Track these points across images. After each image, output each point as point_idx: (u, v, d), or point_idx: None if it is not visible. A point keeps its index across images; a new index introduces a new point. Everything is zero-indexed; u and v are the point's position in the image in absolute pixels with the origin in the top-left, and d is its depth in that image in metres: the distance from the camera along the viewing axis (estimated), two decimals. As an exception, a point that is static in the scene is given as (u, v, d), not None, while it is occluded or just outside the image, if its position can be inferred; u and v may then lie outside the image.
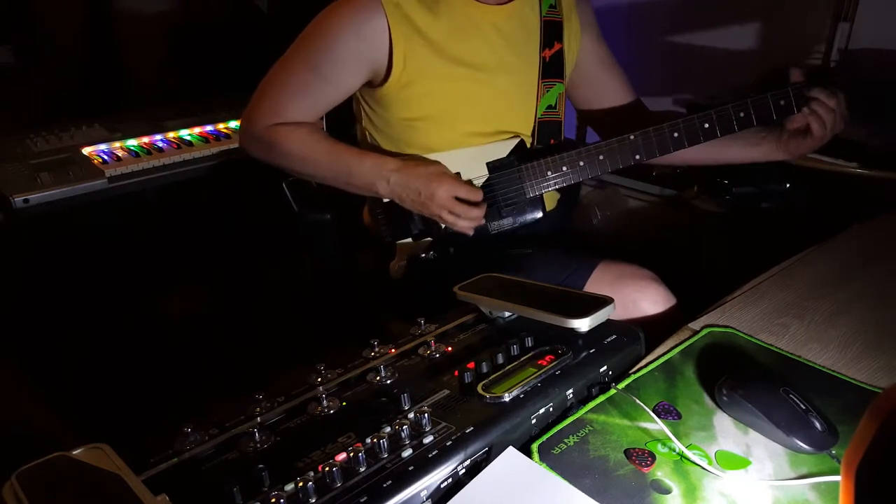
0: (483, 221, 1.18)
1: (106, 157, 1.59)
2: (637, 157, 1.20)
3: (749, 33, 1.99)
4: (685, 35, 2.17)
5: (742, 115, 1.18)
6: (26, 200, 1.41)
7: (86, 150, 1.60)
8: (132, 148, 1.64)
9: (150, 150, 1.64)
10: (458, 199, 1.13)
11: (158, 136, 1.70)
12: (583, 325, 0.82)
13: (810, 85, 1.17)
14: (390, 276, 1.29)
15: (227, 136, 1.75)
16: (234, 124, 1.81)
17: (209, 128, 1.77)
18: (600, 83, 1.38)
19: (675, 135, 1.19)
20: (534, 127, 1.27)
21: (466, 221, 1.15)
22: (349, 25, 1.14)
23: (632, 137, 1.19)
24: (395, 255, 1.28)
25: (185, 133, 1.73)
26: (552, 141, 1.29)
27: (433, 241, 1.24)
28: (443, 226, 1.21)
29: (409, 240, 1.24)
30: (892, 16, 1.77)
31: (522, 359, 0.80)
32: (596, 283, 1.12)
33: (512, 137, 1.23)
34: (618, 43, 2.22)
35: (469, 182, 1.19)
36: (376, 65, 1.17)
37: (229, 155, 1.70)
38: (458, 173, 1.20)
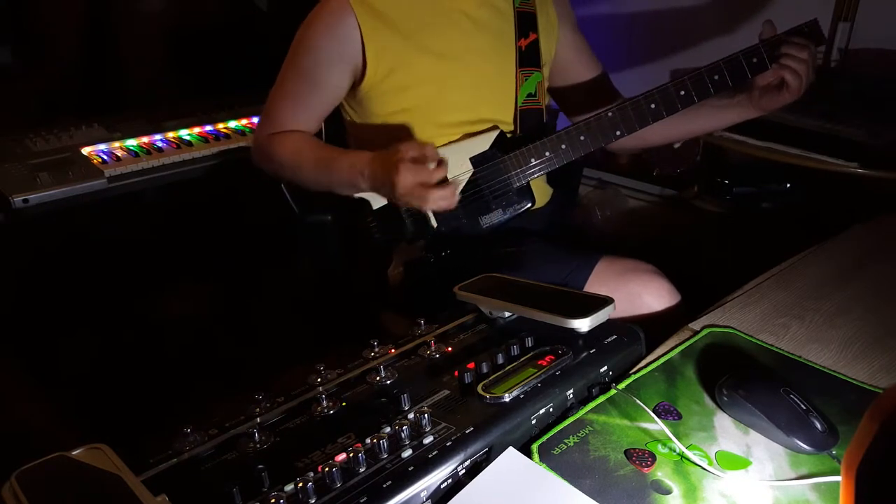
0: (457, 197, 1.10)
1: (105, 157, 1.59)
2: (618, 132, 1.20)
3: (749, 33, 1.99)
4: (684, 35, 2.17)
5: (716, 77, 1.18)
6: (26, 200, 1.40)
7: (85, 150, 1.60)
8: (132, 148, 1.64)
9: (150, 150, 1.64)
10: (418, 182, 1.06)
11: (158, 136, 1.70)
12: (583, 325, 0.82)
13: (781, 38, 1.18)
14: (389, 283, 1.29)
15: (226, 136, 1.75)
16: (233, 124, 1.80)
17: (209, 128, 1.77)
18: (577, 73, 1.40)
19: (653, 106, 1.19)
20: (515, 115, 1.28)
21: (435, 202, 1.06)
22: (324, 29, 1.19)
23: (609, 114, 1.19)
24: (391, 261, 1.28)
25: (184, 133, 1.72)
26: (534, 129, 1.29)
27: (427, 243, 1.24)
28: (434, 225, 1.21)
29: (403, 244, 1.24)
30: (892, 16, 1.77)
31: (522, 359, 0.80)
32: (599, 279, 1.11)
33: (491, 129, 1.23)
34: (618, 45, 2.22)
35: (434, 151, 1.10)
36: (355, 63, 1.20)
37: (229, 155, 1.70)
38: (439, 136, 1.19)
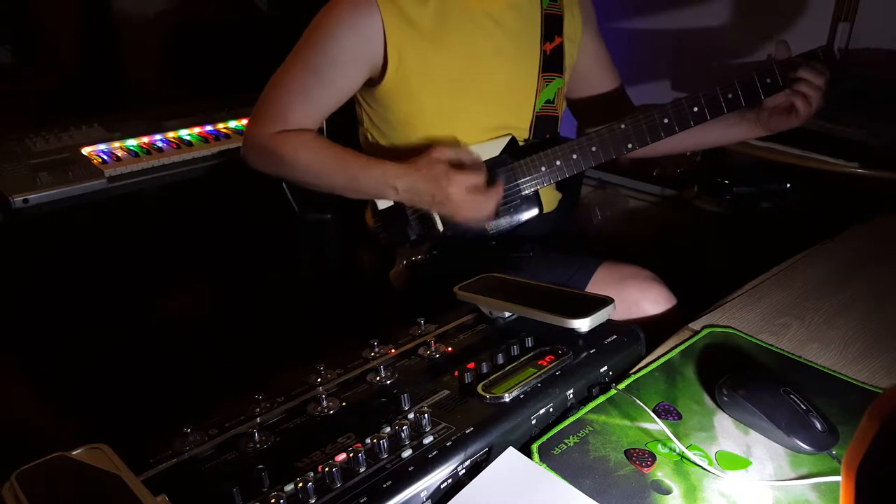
0: (501, 216, 1.16)
1: (105, 157, 1.59)
2: (629, 145, 1.19)
3: (749, 34, 1.99)
4: (684, 35, 2.17)
5: (730, 96, 1.18)
6: (26, 200, 1.40)
7: (85, 150, 1.60)
8: (132, 148, 1.64)
9: (150, 150, 1.64)
10: (470, 186, 1.10)
11: (158, 136, 1.69)
12: (583, 325, 0.82)
13: (796, 61, 1.17)
14: (391, 284, 1.29)
15: (226, 136, 1.75)
16: (233, 124, 1.80)
17: (209, 128, 1.77)
18: (595, 80, 1.38)
19: (666, 121, 1.18)
20: (531, 121, 1.26)
21: (487, 207, 1.11)
22: (345, 22, 1.13)
23: (622, 126, 1.18)
24: (394, 263, 1.28)
25: (184, 133, 1.72)
26: (547, 136, 1.28)
27: (432, 245, 1.23)
28: (441, 228, 1.20)
29: (408, 246, 1.24)
30: (892, 16, 1.77)
31: (522, 359, 0.80)
32: (598, 285, 1.11)
33: (503, 136, 1.22)
34: (618, 46, 2.22)
35: (469, 154, 1.15)
36: (374, 61, 1.16)
37: (229, 155, 1.70)
38: (456, 140, 1.18)
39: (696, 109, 1.18)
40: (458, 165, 1.12)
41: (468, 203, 1.10)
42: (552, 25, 1.25)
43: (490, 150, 1.21)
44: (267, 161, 1.21)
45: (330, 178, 1.17)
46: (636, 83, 2.18)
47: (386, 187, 1.13)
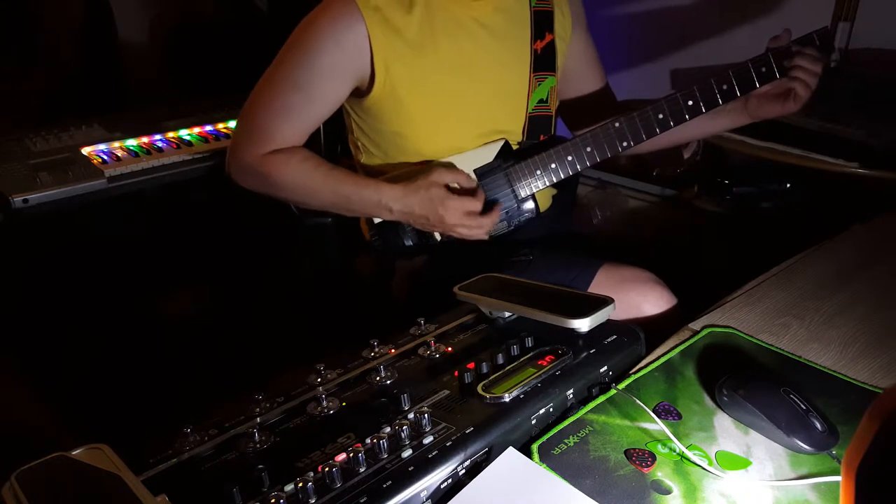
0: (498, 221, 1.17)
1: (105, 157, 1.58)
2: (624, 144, 1.18)
3: (748, 34, 1.99)
4: (684, 35, 2.17)
5: (725, 87, 1.17)
6: (25, 200, 1.40)
7: (85, 150, 1.60)
8: (131, 148, 1.64)
9: (150, 150, 1.64)
10: (466, 212, 1.12)
11: (158, 136, 1.69)
12: (583, 325, 0.82)
13: (791, 49, 1.16)
14: (392, 292, 1.29)
15: (226, 135, 1.75)
16: (233, 124, 1.80)
17: (209, 128, 1.77)
18: (583, 80, 1.37)
19: (660, 116, 1.17)
20: (524, 122, 1.25)
21: (480, 230, 1.14)
22: (328, 35, 1.10)
23: (616, 125, 1.17)
24: (393, 272, 1.27)
25: (184, 133, 1.72)
26: (542, 137, 1.27)
27: (430, 255, 1.23)
28: (438, 237, 1.20)
29: (406, 256, 1.23)
30: (892, 16, 1.77)
31: (522, 359, 0.80)
32: (598, 288, 1.11)
33: (496, 140, 1.21)
34: (618, 47, 2.22)
35: (467, 178, 1.17)
36: (360, 73, 1.14)
37: (229, 155, 1.70)
38: (450, 163, 1.17)
39: (690, 103, 1.17)
40: (456, 189, 1.12)
41: (462, 228, 1.12)
42: (542, 23, 1.23)
43: (483, 155, 1.20)
44: (256, 183, 1.18)
45: (321, 198, 1.16)
46: (634, 76, 2.18)
47: (380, 208, 1.13)
